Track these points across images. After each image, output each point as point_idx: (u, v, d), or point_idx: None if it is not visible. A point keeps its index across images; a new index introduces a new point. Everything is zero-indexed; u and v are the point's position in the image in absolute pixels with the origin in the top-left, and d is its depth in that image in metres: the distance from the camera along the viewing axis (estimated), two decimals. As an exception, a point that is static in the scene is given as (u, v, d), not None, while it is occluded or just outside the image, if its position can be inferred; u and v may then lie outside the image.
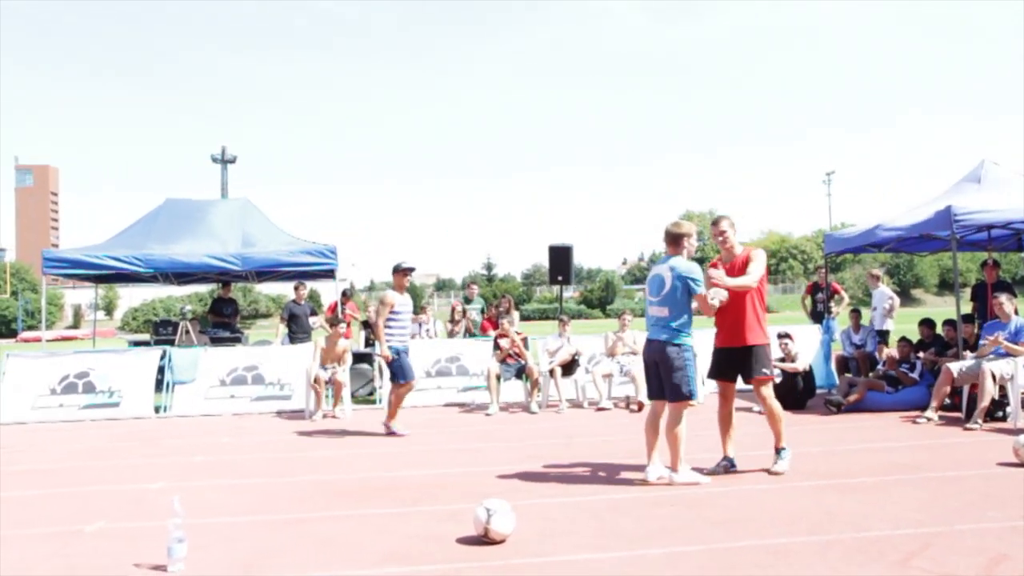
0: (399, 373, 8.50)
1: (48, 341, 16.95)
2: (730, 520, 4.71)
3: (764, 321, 6.11)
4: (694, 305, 5.78)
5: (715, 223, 6.27)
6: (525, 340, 10.87)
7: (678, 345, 5.71)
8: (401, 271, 8.66)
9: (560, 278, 13.40)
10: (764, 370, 6.07)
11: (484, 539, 4.31)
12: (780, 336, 9.80)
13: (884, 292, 12.13)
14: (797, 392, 9.41)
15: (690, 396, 5.76)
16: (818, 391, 10.12)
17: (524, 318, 42.34)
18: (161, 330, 13.78)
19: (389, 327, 8.41)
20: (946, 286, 72.65)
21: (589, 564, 3.96)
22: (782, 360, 9.62)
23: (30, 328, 55.26)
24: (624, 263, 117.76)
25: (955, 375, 8.26)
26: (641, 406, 9.89)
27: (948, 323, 9.87)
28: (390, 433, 8.44)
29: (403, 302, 8.58)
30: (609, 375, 10.48)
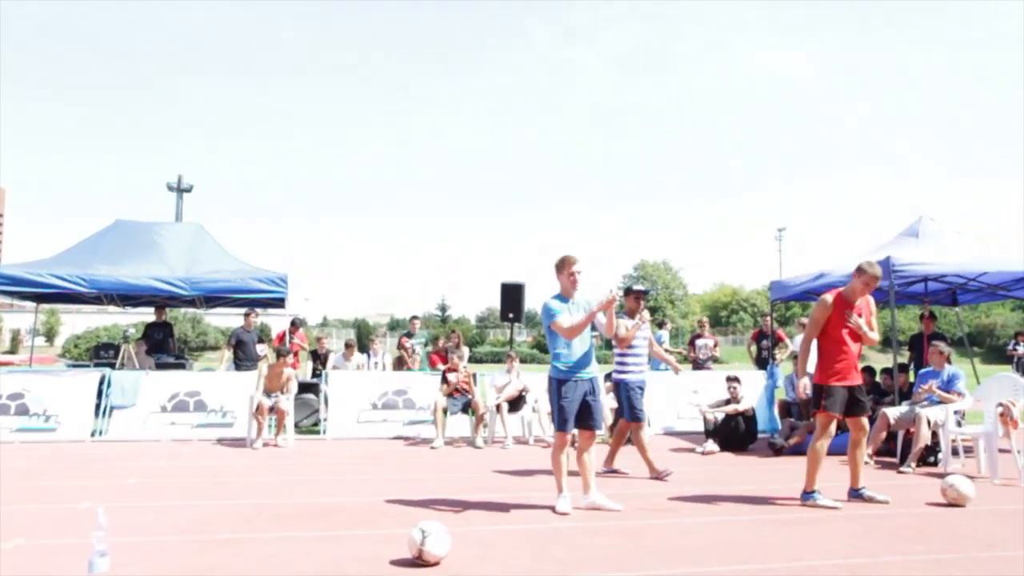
0: (627, 410, 7.68)
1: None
2: (667, 549, 4.74)
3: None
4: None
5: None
6: (473, 376, 10.87)
7: (551, 376, 6.05)
8: (633, 294, 7.90)
9: (511, 315, 13.45)
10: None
11: (418, 561, 4.27)
12: (729, 379, 9.97)
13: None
14: (740, 434, 9.53)
15: (561, 427, 5.97)
16: (760, 435, 10.26)
17: (476, 360, 42.29)
18: (102, 353, 13.44)
19: (623, 358, 7.72)
20: (886, 341, 74.29)
21: (522, 587, 3.94)
22: (727, 402, 9.76)
23: (-35, 352, 53.38)
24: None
25: (891, 420, 8.46)
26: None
27: (886, 371, 10.13)
28: (658, 478, 7.45)
29: (644, 326, 7.81)
30: (556, 412, 10.49)
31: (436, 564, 4.27)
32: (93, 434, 10.41)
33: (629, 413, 7.63)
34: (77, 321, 61.62)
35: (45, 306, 30.66)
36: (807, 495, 6.25)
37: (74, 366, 13.66)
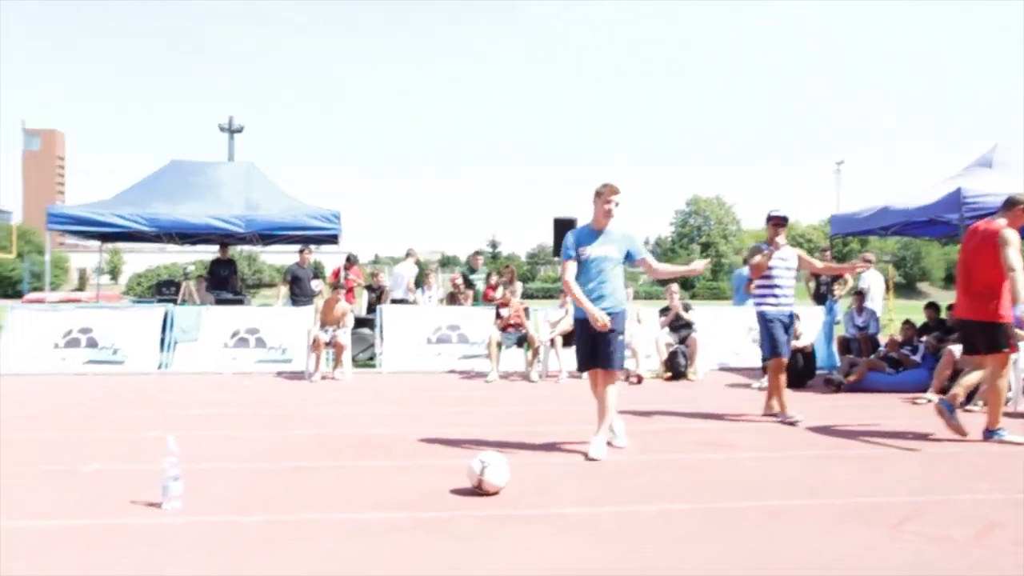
0: (766, 345, 7.18)
1: (53, 303, 16.99)
2: (728, 483, 4.70)
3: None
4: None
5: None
6: (526, 310, 10.87)
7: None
8: (772, 220, 7.32)
9: (564, 251, 13.34)
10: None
11: (478, 491, 4.31)
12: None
13: (871, 275, 12.11)
14: (798, 370, 9.39)
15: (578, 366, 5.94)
16: (819, 372, 10.11)
17: (528, 296, 42.36)
18: (164, 290, 13.79)
19: (760, 289, 7.23)
20: (952, 280, 72.15)
21: (582, 518, 3.96)
22: (784, 338, 9.61)
23: (35, 290, 55.35)
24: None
25: (957, 358, 8.23)
26: (640, 379, 9.90)
27: (953, 308, 9.81)
28: (784, 422, 6.94)
29: (783, 256, 7.25)
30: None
31: (495, 494, 4.30)
32: (159, 367, 10.73)
33: (767, 347, 7.17)
34: (139, 260, 63.31)
35: (108, 245, 31.47)
36: (991, 432, 6.06)
37: (138, 303, 14.02)
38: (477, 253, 13.78)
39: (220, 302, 12.59)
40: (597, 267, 5.57)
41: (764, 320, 7.14)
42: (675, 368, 10.31)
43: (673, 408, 7.75)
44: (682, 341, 10.59)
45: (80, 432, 6.30)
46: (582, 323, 5.66)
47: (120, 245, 47.70)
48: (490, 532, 3.71)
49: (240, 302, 13.08)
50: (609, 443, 5.63)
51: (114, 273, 70.19)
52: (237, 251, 15.58)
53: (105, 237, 14.52)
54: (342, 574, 3.17)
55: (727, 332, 11.74)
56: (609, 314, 5.47)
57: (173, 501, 4.01)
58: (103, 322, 11.02)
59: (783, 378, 7.12)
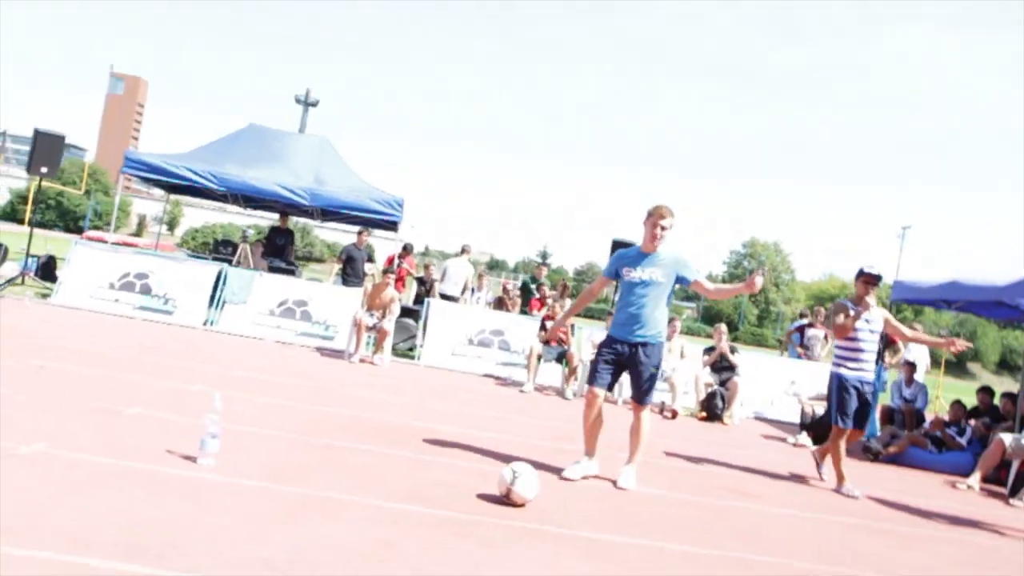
0: (834, 411, 6.68)
1: (112, 244, 17.42)
2: (753, 536, 4.62)
3: None
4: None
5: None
6: (572, 327, 10.84)
7: None
8: (863, 278, 6.67)
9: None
10: None
11: (505, 500, 4.29)
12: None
13: (918, 347, 11.93)
14: (836, 432, 9.19)
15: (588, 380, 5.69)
16: (857, 437, 9.90)
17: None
18: (221, 249, 14.04)
19: (843, 349, 6.69)
20: (1005, 366, 70.40)
21: (606, 546, 3.92)
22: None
23: (96, 228, 56.84)
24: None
25: (1007, 448, 7.99)
26: (675, 414, 9.79)
27: (1007, 396, 9.56)
28: (841, 493, 6.49)
29: (870, 317, 6.60)
30: (649, 378, 10.37)
31: (522, 506, 4.28)
32: (205, 323, 10.92)
33: (834, 413, 6.64)
34: (197, 215, 64.55)
35: (172, 196, 32.21)
36: None
37: (194, 257, 14.30)
38: (543, 263, 13.77)
39: (272, 270, 12.79)
40: (639, 291, 5.36)
41: (839, 383, 6.61)
42: (711, 409, 10.18)
43: (705, 450, 7.66)
44: (723, 383, 10.46)
45: (126, 375, 6.44)
46: (610, 340, 5.49)
47: (182, 198, 48.81)
48: (512, 543, 3.69)
49: (292, 272, 13.25)
50: (614, 482, 5.35)
51: (172, 224, 71.78)
52: (293, 222, 15.78)
53: (173, 188, 14.85)
54: (363, 557, 3.18)
55: (766, 380, 11.58)
56: (642, 344, 5.31)
57: (208, 457, 4.07)
58: (159, 270, 11.26)
59: (843, 446, 6.70)
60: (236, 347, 9.52)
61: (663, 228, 5.37)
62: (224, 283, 11.21)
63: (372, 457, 4.95)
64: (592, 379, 5.47)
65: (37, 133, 12.56)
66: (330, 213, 14.49)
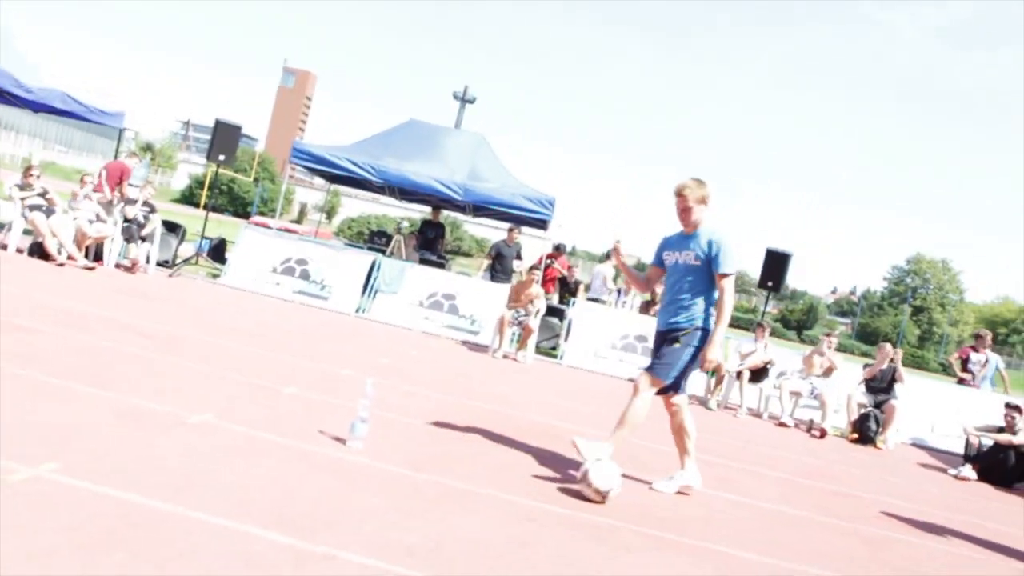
0: None
1: (276, 229, 18.46)
2: (910, 570, 4.31)
3: None
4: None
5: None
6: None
7: None
8: None
9: (770, 284, 12.81)
10: None
11: (583, 484, 4.17)
12: (1008, 406, 8.87)
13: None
14: (1008, 467, 8.48)
15: None
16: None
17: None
18: (376, 239, 14.58)
19: None
20: None
21: (745, 563, 3.75)
22: (1000, 430, 8.72)
23: (261, 214, 60.55)
24: (834, 292, 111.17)
25: None
26: (824, 433, 9.32)
27: None
28: None
29: None
30: (797, 393, 9.93)
31: (596, 497, 4.15)
32: (357, 310, 11.37)
33: None
34: (354, 205, 67.34)
35: (332, 186, 33.74)
36: None
37: (350, 246, 14.94)
38: None
39: (423, 262, 13.16)
40: (672, 275, 4.93)
41: None
42: (864, 431, 9.59)
43: (856, 473, 7.23)
44: (878, 405, 9.85)
45: (285, 356, 6.79)
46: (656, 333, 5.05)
47: (341, 188, 51.21)
48: (648, 551, 3.60)
49: (442, 266, 13.59)
50: (650, 486, 4.85)
51: (330, 213, 75.38)
52: (445, 216, 16.21)
53: (334, 179, 15.56)
54: (499, 555, 3.19)
55: (928, 406, 10.81)
56: (671, 329, 4.76)
57: (357, 441, 4.21)
58: (319, 258, 11.83)
59: None
60: (385, 335, 9.86)
61: (684, 203, 4.81)
62: (377, 272, 11.63)
63: (512, 454, 4.98)
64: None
65: (218, 123, 13.45)
66: (482, 209, 14.75)
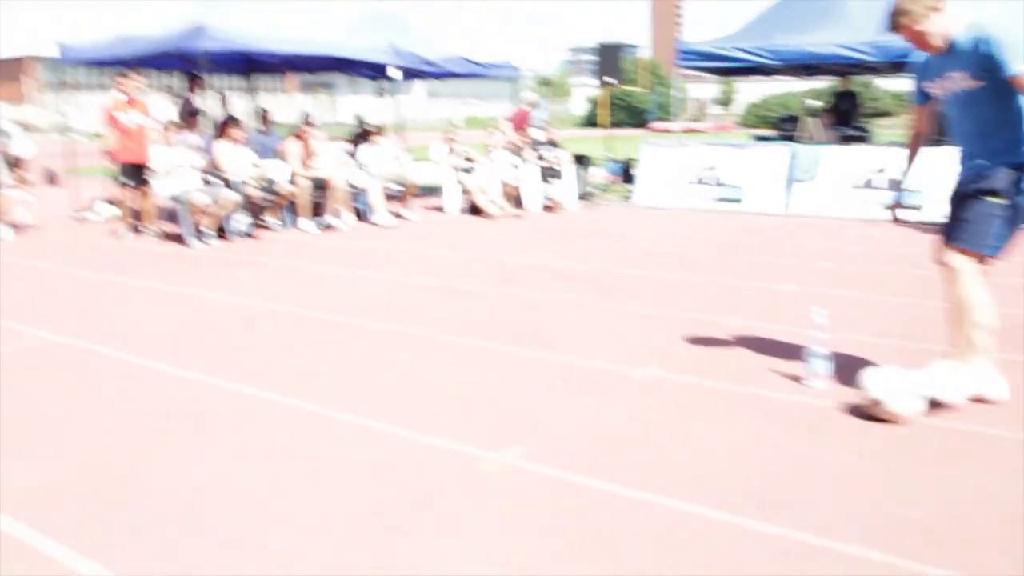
0: None
1: (676, 133, 18.15)
2: None
3: None
4: None
5: None
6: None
7: None
8: None
9: None
10: None
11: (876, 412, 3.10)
12: None
13: None
14: None
15: None
16: None
17: None
18: (784, 126, 13.50)
19: None
20: None
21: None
22: None
23: (660, 119, 60.83)
24: None
25: None
26: None
27: None
28: None
29: None
30: None
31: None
32: (776, 207, 10.61)
33: None
34: (751, 89, 64.44)
35: (723, 77, 32.56)
36: None
37: (760, 139, 14.02)
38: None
39: (843, 139, 11.80)
40: (950, 111, 3.55)
41: None
42: None
43: None
44: None
45: (713, 277, 6.44)
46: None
47: (732, 77, 48.99)
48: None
49: (863, 139, 12.08)
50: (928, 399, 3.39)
51: (726, 102, 73.08)
52: (852, 81, 14.35)
53: (726, 71, 14.68)
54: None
55: None
56: (974, 177, 3.45)
57: (817, 379, 3.71)
58: (726, 160, 11.25)
59: None
60: (812, 232, 9.00)
61: (910, 34, 3.37)
62: (793, 161, 10.69)
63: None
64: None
65: (601, 46, 13.43)
66: (899, 65, 12.74)
